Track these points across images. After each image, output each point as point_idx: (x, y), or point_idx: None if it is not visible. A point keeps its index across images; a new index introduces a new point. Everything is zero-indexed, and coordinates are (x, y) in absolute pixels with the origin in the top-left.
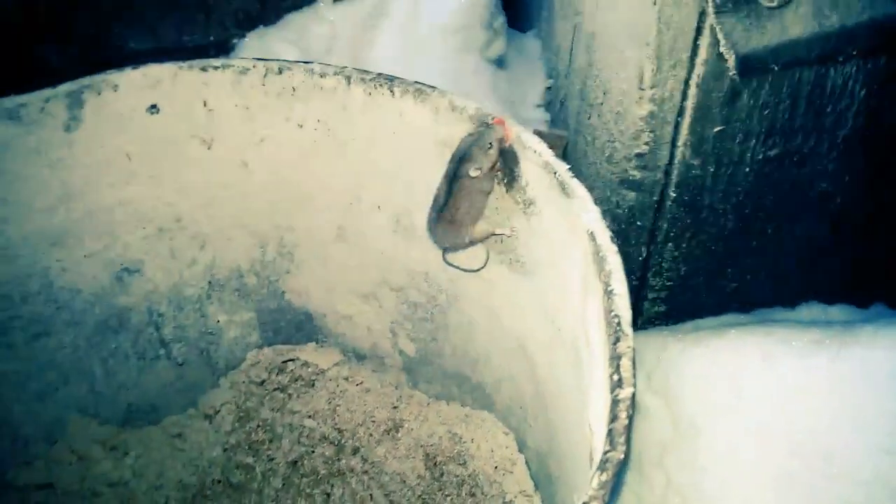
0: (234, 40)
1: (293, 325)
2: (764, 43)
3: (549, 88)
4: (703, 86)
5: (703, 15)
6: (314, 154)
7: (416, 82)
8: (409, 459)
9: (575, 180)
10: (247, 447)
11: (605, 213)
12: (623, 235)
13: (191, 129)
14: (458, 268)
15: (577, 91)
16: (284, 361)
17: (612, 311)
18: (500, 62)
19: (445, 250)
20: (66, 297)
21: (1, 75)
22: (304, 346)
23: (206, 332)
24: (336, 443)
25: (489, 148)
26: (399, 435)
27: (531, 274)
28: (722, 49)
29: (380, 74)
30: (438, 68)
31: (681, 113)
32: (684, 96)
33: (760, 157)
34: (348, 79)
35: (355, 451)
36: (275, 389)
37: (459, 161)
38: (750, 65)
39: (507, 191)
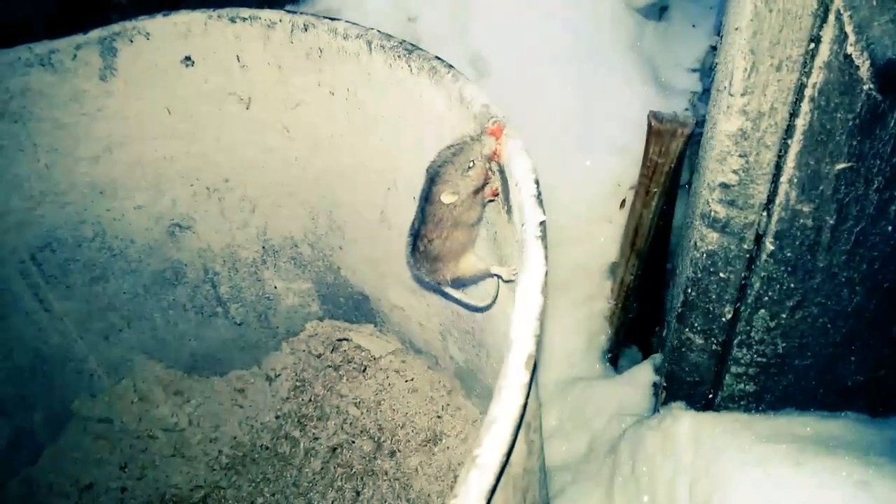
0: None
1: (352, 303)
2: None
3: (713, 48)
4: (823, 101)
5: None
6: (349, 127)
7: (435, 57)
8: (438, 481)
9: (534, 241)
10: (296, 420)
11: (687, 254)
12: (700, 286)
13: (227, 86)
14: (458, 302)
15: (717, 64)
16: (339, 339)
17: (474, 449)
18: (652, 10)
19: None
20: (121, 246)
21: (68, 12)
22: (363, 327)
23: (263, 296)
24: (376, 439)
25: (469, 168)
26: (436, 449)
27: None
28: (850, 49)
29: (401, 43)
30: (561, 17)
31: (788, 135)
32: (793, 112)
33: None
34: (369, 44)
35: (392, 454)
36: (328, 366)
37: (431, 181)
38: None
39: (508, 220)
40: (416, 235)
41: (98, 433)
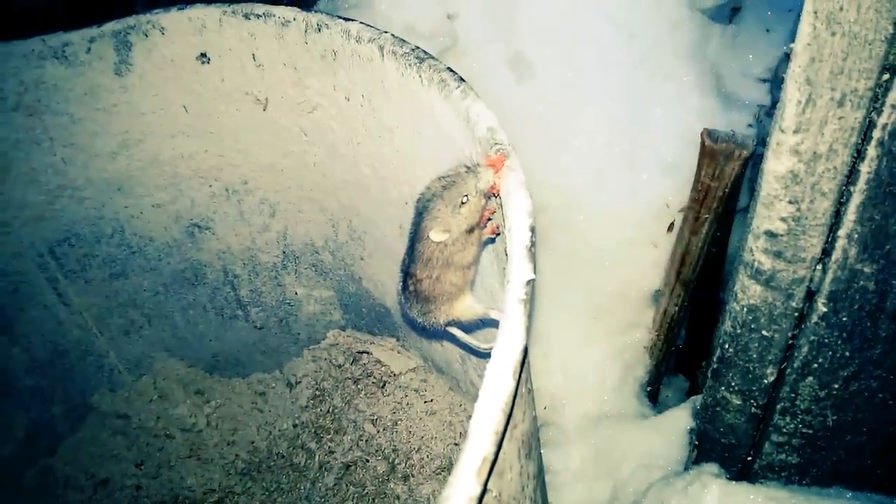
0: None
1: (374, 315)
2: None
3: (788, 55)
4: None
5: None
6: (365, 135)
7: (447, 68)
8: None
9: (516, 306)
10: (314, 430)
11: (727, 304)
12: (739, 342)
13: (244, 86)
14: (460, 344)
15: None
16: (360, 352)
17: None
18: (721, 12)
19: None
20: (140, 244)
21: (78, 6)
22: (384, 341)
23: (283, 301)
24: (390, 461)
25: (462, 203)
26: None
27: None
28: None
29: (413, 50)
30: (615, 18)
31: (849, 182)
32: (857, 157)
33: None
34: (381, 49)
35: (405, 478)
36: (347, 378)
37: (419, 216)
38: None
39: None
40: (406, 273)
41: (116, 428)
